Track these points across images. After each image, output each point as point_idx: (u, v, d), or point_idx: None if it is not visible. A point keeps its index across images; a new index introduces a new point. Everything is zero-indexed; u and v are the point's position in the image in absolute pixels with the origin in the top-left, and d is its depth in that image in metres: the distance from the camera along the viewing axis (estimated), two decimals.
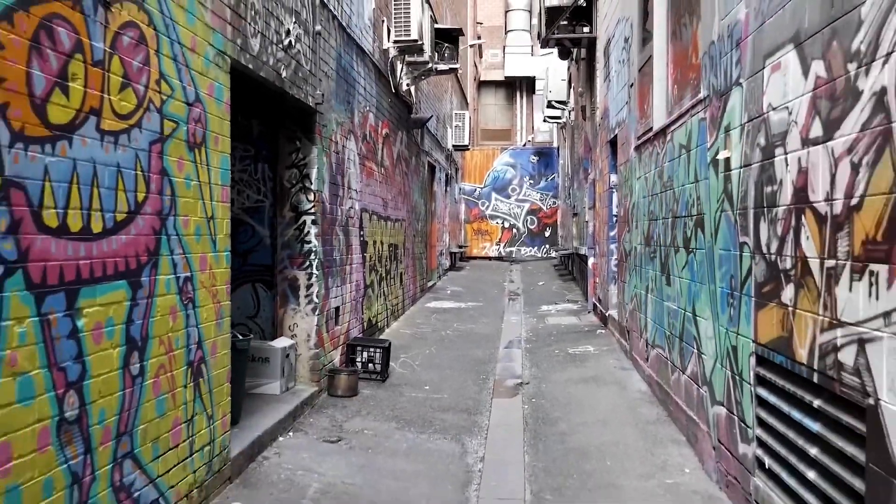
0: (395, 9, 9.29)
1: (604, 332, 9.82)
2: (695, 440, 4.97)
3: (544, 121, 19.96)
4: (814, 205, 3.00)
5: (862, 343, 2.58)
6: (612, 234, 9.85)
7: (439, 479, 4.68)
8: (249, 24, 4.71)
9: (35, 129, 2.63)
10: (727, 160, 4.22)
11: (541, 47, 12.77)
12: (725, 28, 4.26)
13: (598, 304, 11.16)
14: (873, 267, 2.51)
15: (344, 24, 7.22)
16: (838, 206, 2.77)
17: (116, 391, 3.15)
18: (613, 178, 9.56)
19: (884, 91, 2.44)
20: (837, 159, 2.78)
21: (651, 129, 6.63)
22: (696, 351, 4.98)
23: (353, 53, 7.62)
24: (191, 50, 3.84)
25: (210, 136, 4.09)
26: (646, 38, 7.13)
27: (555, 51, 12.92)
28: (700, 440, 4.82)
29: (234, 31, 4.44)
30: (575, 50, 12.58)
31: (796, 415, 3.20)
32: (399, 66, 10.03)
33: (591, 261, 12.04)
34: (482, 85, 25.72)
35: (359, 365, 7.09)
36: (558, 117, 17.96)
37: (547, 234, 24.42)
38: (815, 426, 3.00)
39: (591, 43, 11.45)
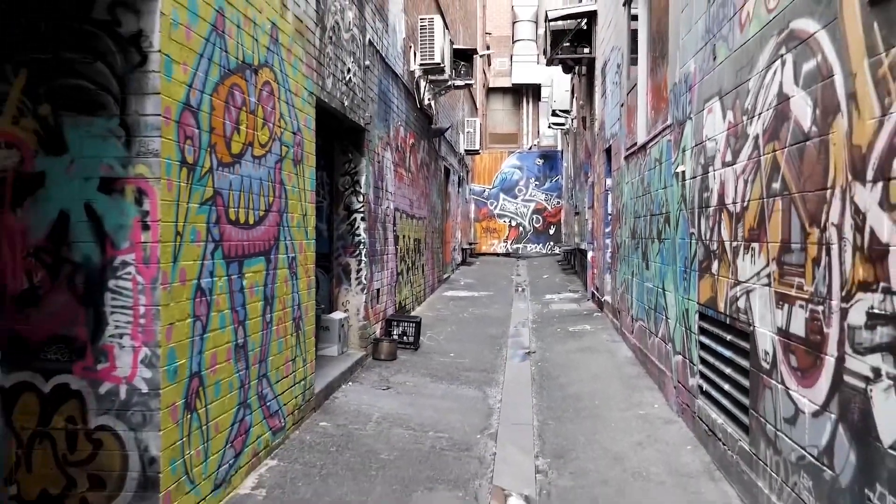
0: (420, 37, 10.80)
1: (600, 315, 11.33)
2: (662, 385, 6.49)
3: (549, 127, 21.47)
4: (727, 206, 4.51)
5: (747, 293, 4.09)
6: (607, 230, 11.35)
7: (468, 411, 6.20)
8: (326, 68, 6.23)
9: (225, 158, 4.15)
10: (683, 173, 5.73)
11: (546, 65, 14.27)
12: (683, 75, 5.77)
13: (595, 293, 12.66)
14: (752, 245, 4.02)
15: (383, 55, 8.74)
16: (738, 207, 4.28)
17: (259, 331, 4.68)
18: (608, 181, 11.06)
19: (757, 136, 3.95)
20: (738, 177, 4.29)
21: (636, 143, 8.14)
22: (664, 317, 6.49)
23: (389, 79, 9.14)
24: (295, 94, 5.37)
25: (305, 155, 5.62)
26: (632, 67, 8.63)
27: (559, 66, 14.40)
28: (666, 384, 6.33)
29: (318, 76, 5.96)
30: (576, 66, 14.06)
31: (719, 349, 4.71)
32: (423, 84, 11.55)
33: (590, 254, 13.55)
34: (490, 91, 27.20)
35: (395, 336, 8.61)
36: (562, 124, 19.45)
37: (551, 231, 25.91)
38: (728, 353, 4.51)
39: (591, 62, 12.94)
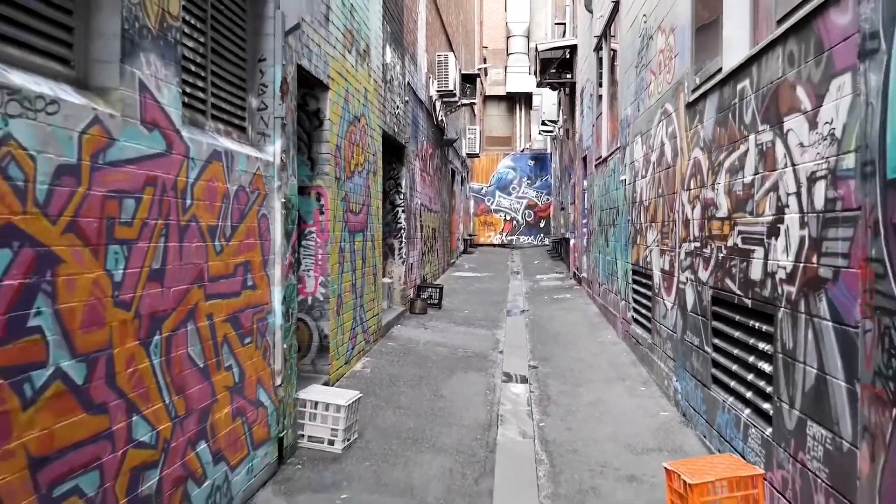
0: (437, 69, 13.76)
1: (578, 288, 14.36)
2: (615, 325, 9.51)
3: (539, 133, 24.48)
4: (643, 203, 7.51)
5: (650, 251, 7.11)
6: (584, 221, 14.35)
7: (482, 340, 9.20)
8: (386, 108, 9.19)
9: (347, 173, 7.11)
10: (625, 180, 8.74)
11: (536, 87, 17.25)
12: (624, 115, 8.77)
13: (576, 272, 15.68)
14: (652, 225, 7.02)
15: (414, 89, 11.70)
16: (647, 203, 7.28)
17: (361, 277, 7.64)
18: (585, 182, 14.07)
19: (653, 162, 6.94)
20: (646, 186, 7.30)
21: (601, 156, 11.15)
22: (616, 277, 9.51)
23: (417, 106, 12.11)
24: (374, 129, 8.33)
25: (377, 168, 8.58)
26: (599, 98, 11.62)
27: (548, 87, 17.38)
28: (617, 324, 9.34)
29: (381, 114, 8.92)
30: (561, 87, 17.05)
31: (640, 289, 7.73)
32: (438, 104, 14.51)
33: (572, 242, 16.57)
34: (487, 99, 30.12)
35: (424, 297, 11.59)
36: (550, 131, 22.45)
37: (542, 225, 28.94)
38: (643, 290, 7.53)
39: (573, 85, 15.93)
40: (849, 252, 2.90)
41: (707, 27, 5.25)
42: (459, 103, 15.15)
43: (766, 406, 3.88)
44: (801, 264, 3.36)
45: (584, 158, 13.99)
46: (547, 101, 20.60)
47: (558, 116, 20.35)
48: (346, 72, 6.81)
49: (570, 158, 17.77)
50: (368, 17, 7.82)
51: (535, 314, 11.39)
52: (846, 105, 2.91)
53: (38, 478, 2.28)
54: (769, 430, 3.78)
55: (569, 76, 15.73)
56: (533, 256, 23.99)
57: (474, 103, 16.35)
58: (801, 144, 3.37)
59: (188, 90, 3.46)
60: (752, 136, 4.06)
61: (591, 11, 12.25)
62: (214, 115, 3.81)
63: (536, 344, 8.98)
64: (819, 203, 3.17)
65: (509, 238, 28.95)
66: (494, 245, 28.58)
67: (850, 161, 2.88)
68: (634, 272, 8.10)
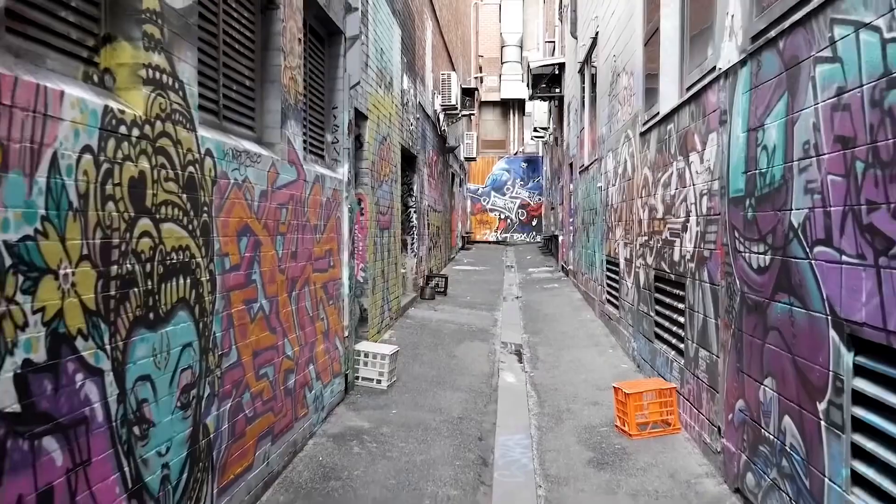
0: (441, 86, 15.62)
1: (565, 279, 16.27)
2: (593, 306, 11.40)
3: (532, 138, 26.37)
4: (612, 206, 9.41)
5: (617, 245, 9.00)
6: (571, 220, 16.24)
7: (484, 319, 11.08)
8: (403, 125, 11.03)
9: (377, 181, 8.96)
10: (600, 187, 10.63)
11: (528, 99, 19.12)
12: (602, 132, 10.65)
13: (564, 265, 17.58)
14: (619, 223, 8.91)
15: (423, 106, 13.55)
16: (615, 206, 9.17)
17: (386, 266, 9.49)
18: (571, 186, 15.94)
19: (619, 174, 8.83)
20: (615, 192, 9.19)
21: (583, 164, 13.04)
22: (595, 267, 11.40)
23: (425, 120, 13.96)
24: (395, 145, 10.18)
25: (397, 177, 10.43)
26: (582, 113, 13.50)
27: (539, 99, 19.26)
28: (594, 305, 11.24)
29: (400, 131, 10.76)
30: (551, 100, 18.93)
31: (612, 275, 9.62)
32: (441, 116, 16.37)
33: (560, 238, 18.46)
34: (482, 104, 31.95)
35: (432, 285, 13.45)
36: (542, 136, 24.32)
37: (534, 223, 30.84)
38: (613, 276, 9.42)
39: (561, 98, 17.80)
40: (715, 240, 4.78)
41: (652, 77, 7.13)
42: (460, 115, 17.01)
43: (681, 346, 5.77)
44: (696, 249, 5.25)
45: (571, 164, 15.88)
46: (538, 109, 22.47)
47: (549, 124, 22.22)
48: (378, 103, 8.66)
49: (558, 163, 19.65)
50: (392, 56, 9.67)
51: (528, 300, 13.28)
52: (714, 151, 4.79)
53: (255, 363, 4.14)
54: (682, 361, 5.66)
55: (557, 90, 17.60)
56: (526, 252, 25.89)
57: (473, 114, 18.22)
58: (697, 172, 5.25)
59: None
60: (674, 163, 5.95)
61: (575, 38, 14.13)
62: (311, 150, 5.67)
63: (528, 322, 10.86)
64: (704, 210, 5.06)
65: (504, 235, 30.85)
66: (490, 242, 30.46)
67: (717, 185, 4.75)
68: (607, 262, 9.99)
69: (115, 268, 2.63)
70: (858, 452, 2.87)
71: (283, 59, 4.59)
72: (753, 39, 4.05)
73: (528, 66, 17.81)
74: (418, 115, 12.71)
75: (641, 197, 7.43)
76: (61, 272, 2.33)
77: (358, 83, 6.54)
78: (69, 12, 2.58)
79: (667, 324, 6.30)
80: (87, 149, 2.47)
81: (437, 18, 15.66)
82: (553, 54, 18.68)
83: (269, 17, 4.54)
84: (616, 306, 9.21)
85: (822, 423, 3.12)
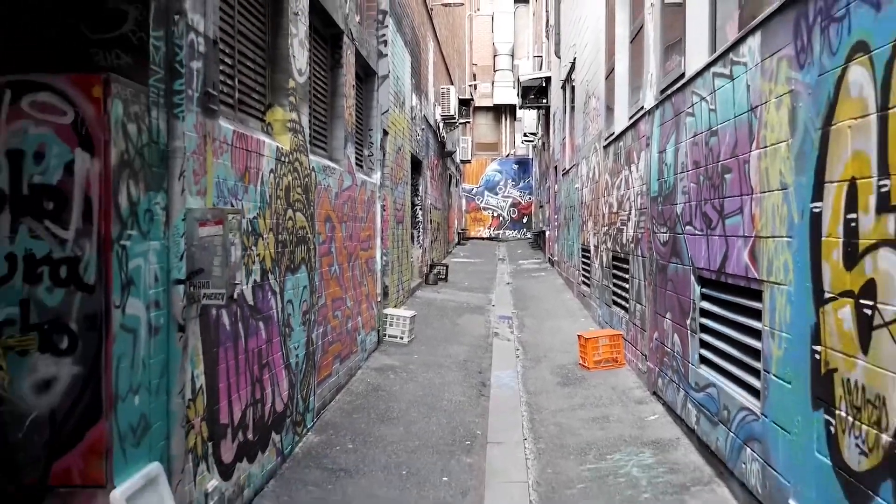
0: (441, 99, 17.70)
1: (551, 269, 18.39)
2: (572, 289, 13.52)
3: (522, 142, 28.45)
4: (586, 203, 11.52)
5: (590, 235, 11.10)
6: (556, 217, 18.35)
7: (480, 299, 13.18)
8: (412, 136, 13.10)
9: (395, 184, 11.02)
10: (577, 188, 12.74)
11: (519, 108, 21.21)
12: (579, 142, 12.76)
13: (550, 258, 19.69)
14: (590, 218, 11.01)
15: (426, 117, 15.62)
16: (588, 204, 11.28)
17: (399, 253, 11.56)
18: (556, 187, 18.05)
19: (590, 178, 10.93)
20: (588, 192, 11.29)
21: (565, 168, 15.16)
22: (574, 256, 13.51)
23: (428, 129, 16.03)
24: (406, 153, 12.25)
25: (408, 179, 12.50)
26: (564, 124, 15.60)
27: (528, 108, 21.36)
28: (573, 288, 13.35)
29: (409, 141, 12.82)
30: (539, 109, 21.02)
31: (584, 260, 11.72)
32: (441, 125, 18.44)
33: (547, 233, 20.57)
34: (476, 109, 34.02)
35: (435, 273, 15.53)
36: (531, 140, 26.42)
37: (524, 220, 32.97)
38: (586, 260, 11.53)
39: (548, 108, 19.89)
40: (644, 226, 6.87)
41: (611, 104, 9.22)
42: (458, 123, 19.08)
43: (627, 305, 7.85)
44: (634, 233, 7.34)
45: (556, 167, 17.98)
46: (528, 116, 24.57)
47: (537, 130, 24.32)
48: (394, 121, 10.73)
49: (546, 166, 21.76)
50: (404, 80, 11.74)
51: (517, 285, 15.38)
52: (644, 164, 6.89)
53: (332, 306, 6.20)
54: (627, 316, 7.76)
55: (544, 101, 19.69)
56: (517, 247, 28.01)
57: (468, 122, 20.29)
58: (635, 178, 7.35)
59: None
60: (623, 171, 8.04)
61: (559, 57, 16.23)
62: (356, 161, 7.75)
63: (517, 301, 12.96)
64: (638, 205, 7.15)
65: (496, 232, 32.97)
66: (483, 238, 32.55)
67: (645, 188, 6.84)
68: (582, 250, 12.09)
69: (279, 236, 4.70)
70: (702, 344, 4.96)
71: (345, 101, 6.67)
72: (661, 93, 6.15)
73: (519, 79, 19.89)
74: (423, 126, 14.78)
75: (604, 196, 9.54)
76: (263, 236, 4.39)
77: (387, 111, 8.62)
78: (257, 95, 4.64)
79: (619, 291, 8.40)
80: (271, 170, 4.53)
81: (437, 38, 17.73)
82: (541, 68, 20.76)
83: (336, 73, 6.61)
84: (588, 285, 11.31)
85: (688, 331, 5.21)
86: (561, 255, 16.45)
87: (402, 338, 8.87)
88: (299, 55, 5.14)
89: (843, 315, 2.86)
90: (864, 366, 2.70)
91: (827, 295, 3.00)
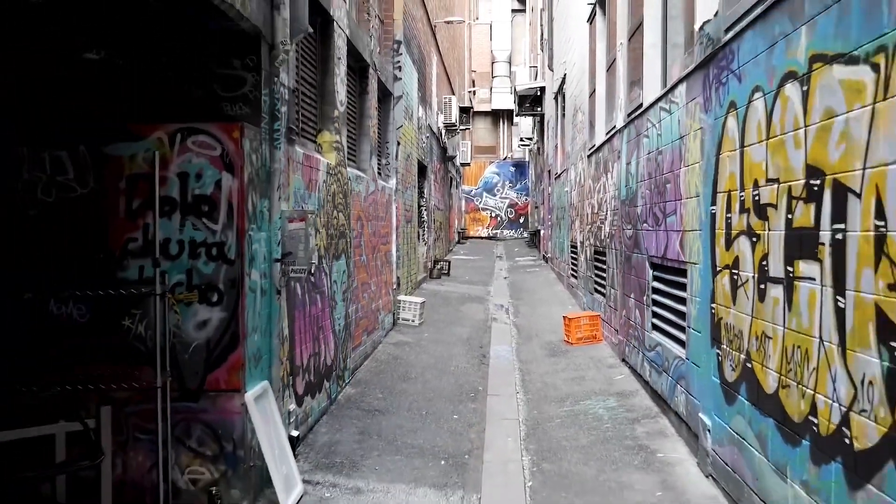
0: (444, 108, 19.14)
1: (545, 265, 19.85)
2: (563, 282, 14.97)
3: (519, 145, 29.90)
4: (574, 205, 12.98)
5: (577, 233, 12.56)
6: (549, 217, 19.79)
7: (479, 290, 14.63)
8: (418, 143, 14.53)
9: (405, 187, 12.46)
10: (567, 191, 14.20)
11: (515, 115, 22.67)
12: (568, 149, 14.22)
13: (545, 255, 21.14)
14: (577, 217, 12.47)
15: (430, 125, 17.05)
16: (576, 205, 12.73)
17: (409, 249, 13.00)
18: (550, 189, 19.50)
19: (576, 182, 12.39)
20: (575, 195, 12.75)
21: (557, 173, 16.61)
22: (564, 252, 14.97)
23: (432, 136, 17.47)
24: (413, 160, 13.69)
25: (416, 183, 13.95)
26: (556, 131, 17.05)
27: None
28: (564, 281, 14.80)
29: (416, 148, 14.26)
30: (535, 117, 22.47)
31: (573, 255, 13.18)
32: (443, 131, 19.88)
33: (542, 232, 22.02)
34: (475, 114, 35.49)
35: (439, 268, 16.97)
36: (527, 145, 27.86)
37: (521, 220, 34.42)
38: (573, 256, 12.99)
39: (542, 115, 21.33)
40: (617, 225, 8.31)
41: (593, 119, 10.66)
42: (458, 130, 20.52)
43: (605, 291, 9.29)
44: (610, 230, 8.79)
45: (549, 171, 19.43)
46: (524, 122, 26.01)
47: (533, 135, 25.77)
48: (405, 132, 12.17)
49: (541, 169, 23.21)
50: (412, 94, 13.18)
51: (513, 279, 16.84)
52: (616, 172, 8.33)
53: (361, 289, 7.65)
54: (605, 300, 9.20)
55: (539, 109, 21.12)
56: (513, 246, 29.47)
57: (468, 129, 21.72)
58: (609, 184, 8.80)
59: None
60: (602, 178, 9.49)
61: (552, 70, 17.68)
62: (377, 170, 9.20)
63: (513, 292, 14.41)
64: (612, 207, 8.59)
65: (494, 231, 34.43)
66: (482, 237, 34.00)
67: (617, 193, 8.29)
68: (571, 247, 13.53)
69: (329, 231, 6.14)
70: (654, 315, 6.41)
71: (370, 121, 8.12)
72: (628, 116, 7.60)
73: (515, 88, 21.34)
74: (427, 134, 16.23)
75: (588, 199, 10.99)
76: (319, 231, 5.83)
77: (401, 126, 10.07)
78: (312, 123, 6.09)
79: (599, 280, 9.85)
80: (324, 181, 5.97)
81: (439, 51, 19.17)
82: (536, 78, 22.19)
83: (363, 99, 8.06)
84: (576, 278, 12.75)
85: (645, 305, 6.66)
86: (553, 252, 17.89)
87: (413, 320, 10.31)
88: (340, 89, 6.58)
89: (724, 281, 4.31)
90: (733, 313, 4.15)
91: (717, 269, 4.45)
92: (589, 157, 10.82)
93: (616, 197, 8.32)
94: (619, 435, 5.55)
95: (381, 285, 8.95)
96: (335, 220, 6.37)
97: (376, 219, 8.56)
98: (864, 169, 2.68)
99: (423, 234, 16.22)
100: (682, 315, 5.45)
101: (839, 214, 2.87)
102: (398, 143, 11.19)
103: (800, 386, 3.23)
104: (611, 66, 9.12)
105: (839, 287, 2.87)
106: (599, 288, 9.81)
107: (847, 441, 2.78)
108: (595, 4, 10.04)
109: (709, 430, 4.56)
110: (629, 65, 7.74)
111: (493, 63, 35.46)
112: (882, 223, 2.55)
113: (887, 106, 2.53)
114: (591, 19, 10.53)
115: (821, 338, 3.03)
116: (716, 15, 4.47)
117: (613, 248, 8.54)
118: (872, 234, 2.61)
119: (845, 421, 2.81)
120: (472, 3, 33.91)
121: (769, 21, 3.58)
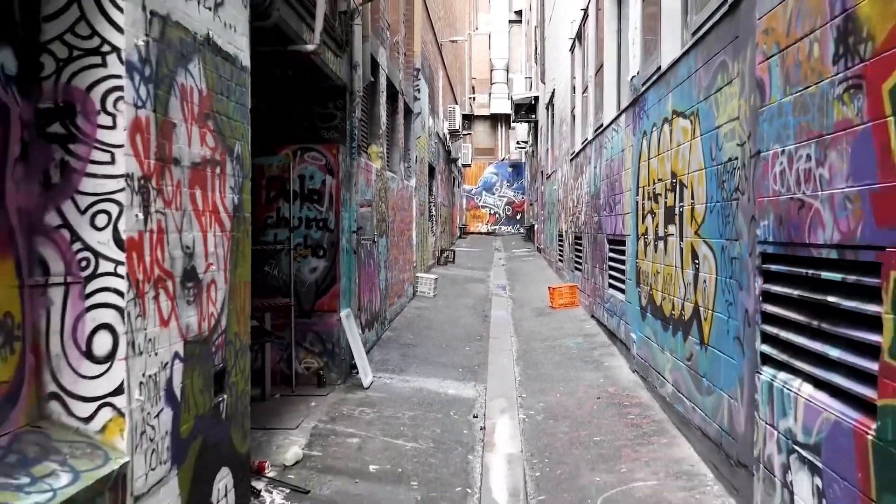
0: (448, 115, 21.61)
1: (538, 255, 22.35)
2: (552, 266, 17.46)
3: (516, 147, 32.36)
4: (560, 200, 15.46)
5: (563, 222, 15.05)
6: (542, 212, 22.26)
7: (481, 274, 17.12)
8: (429, 148, 16.99)
9: (419, 186, 14.93)
10: (556, 188, 16.67)
11: (512, 121, 25.15)
12: (556, 152, 16.69)
13: (538, 247, 23.61)
14: (563, 210, 14.95)
15: (437, 132, 19.52)
16: (564, 201, 15.21)
17: (422, 239, 15.50)
18: (542, 188, 21.97)
19: (564, 182, 14.86)
20: (561, 192, 15.23)
21: (548, 173, 19.10)
22: (553, 241, 17.44)
23: (438, 141, 19.94)
24: (425, 163, 16.17)
25: (426, 182, 16.42)
26: (547, 137, 19.53)
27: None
28: (553, 265, 17.29)
29: (427, 153, 16.72)
30: (530, 123, 24.95)
31: (560, 243, 15.67)
32: (448, 136, 22.35)
33: (536, 227, 24.49)
34: (475, 118, 37.98)
35: (445, 256, 19.43)
36: (524, 147, 30.32)
37: (518, 217, 36.93)
38: (559, 243, 15.47)
39: (536, 122, 23.81)
40: (588, 214, 10.79)
41: (574, 131, 13.11)
42: (461, 135, 22.98)
43: (581, 267, 11.76)
44: (585, 218, 11.27)
45: (542, 172, 21.91)
46: (521, 126, 28.48)
47: (528, 139, 28.24)
48: (418, 139, 14.63)
49: (535, 170, 25.69)
50: (424, 106, 15.63)
51: (510, 266, 19.32)
52: (589, 174, 10.80)
53: (394, 261, 10.12)
54: (581, 274, 11.68)
55: (533, 116, 23.58)
56: (511, 240, 31.98)
57: (469, 134, 24.17)
58: (584, 183, 11.27)
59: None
60: (580, 177, 11.96)
61: (544, 83, 20.15)
62: (404, 172, 11.68)
63: (510, 275, 16.89)
64: (586, 200, 11.06)
65: (493, 227, 36.95)
66: (482, 233, 36.50)
67: (589, 189, 10.76)
68: (558, 236, 16.00)
69: (377, 216, 8.61)
70: (610, 277, 8.89)
71: (399, 135, 10.59)
72: (595, 131, 10.09)
73: (512, 97, 23.79)
74: (435, 140, 18.70)
75: (570, 194, 13.46)
76: (374, 215, 8.30)
77: (420, 136, 12.55)
78: (364, 138, 8.57)
79: (577, 259, 12.33)
80: (374, 180, 8.44)
81: (444, 66, 21.64)
82: (530, 88, 24.65)
83: (394, 117, 10.53)
84: (562, 261, 15.22)
85: (604, 271, 9.13)
86: (546, 243, 20.37)
87: (429, 293, 12.78)
88: (382, 113, 9.05)
89: (640, 244, 6.79)
90: (645, 262, 6.63)
91: (638, 236, 6.93)
92: (570, 160, 13.29)
93: (588, 193, 10.78)
94: (581, 356, 8.04)
95: (405, 262, 11.43)
96: (380, 209, 8.84)
97: (402, 210, 11.03)
98: (688, 173, 5.16)
99: (432, 227, 18.69)
100: (623, 272, 7.93)
101: (681, 197, 5.34)
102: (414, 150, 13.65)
103: (669, 296, 5.71)
104: (585, 91, 11.61)
105: (681, 236, 5.35)
106: (577, 266, 12.28)
107: (684, 316, 5.26)
108: (574, 39, 12.53)
109: (634, 342, 7.04)
110: (596, 92, 10.22)
111: (491, 70, 37.92)
112: (693, 201, 5.02)
113: (696, 141, 5.00)
114: (572, 49, 13.01)
115: (676, 266, 5.51)
116: (637, 73, 6.96)
117: (587, 232, 11.01)
118: (688, 207, 5.09)
119: (682, 306, 5.29)
120: (472, 16, 36.38)
121: (658, 85, 6.07)
